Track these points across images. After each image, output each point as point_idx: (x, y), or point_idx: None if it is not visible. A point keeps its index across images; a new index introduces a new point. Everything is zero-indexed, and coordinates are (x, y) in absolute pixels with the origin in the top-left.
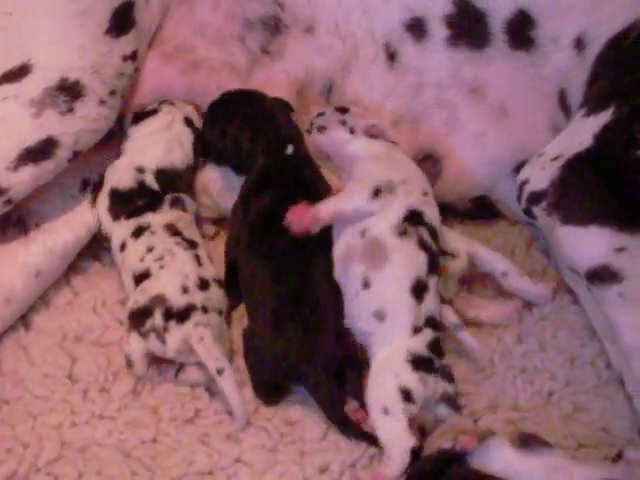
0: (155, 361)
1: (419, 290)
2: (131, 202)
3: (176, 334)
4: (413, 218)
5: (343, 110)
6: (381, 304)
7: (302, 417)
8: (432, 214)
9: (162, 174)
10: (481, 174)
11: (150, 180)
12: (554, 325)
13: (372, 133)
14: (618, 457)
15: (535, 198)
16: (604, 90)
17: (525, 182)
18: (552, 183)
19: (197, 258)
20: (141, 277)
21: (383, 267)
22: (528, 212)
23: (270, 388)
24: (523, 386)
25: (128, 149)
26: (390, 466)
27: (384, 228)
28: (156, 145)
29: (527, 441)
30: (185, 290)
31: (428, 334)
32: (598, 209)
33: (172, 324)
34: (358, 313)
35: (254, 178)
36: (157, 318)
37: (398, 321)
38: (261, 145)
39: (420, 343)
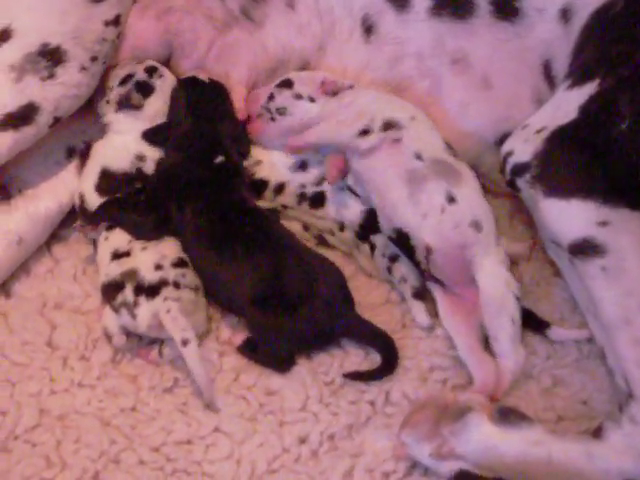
0: (138, 353)
1: None
2: (129, 184)
3: (146, 309)
4: (450, 147)
5: (288, 84)
6: (474, 214)
7: (282, 387)
8: None
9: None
10: (464, 146)
11: (148, 167)
12: (535, 298)
13: (330, 91)
14: (598, 430)
15: (519, 170)
16: (589, 61)
17: (509, 154)
18: (536, 155)
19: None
20: (121, 255)
21: (461, 183)
22: (512, 184)
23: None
24: None
25: (126, 130)
26: (513, 372)
27: (438, 151)
28: None
29: (506, 415)
30: (159, 267)
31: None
32: (582, 182)
33: (142, 299)
34: (454, 226)
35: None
36: (128, 293)
37: (490, 230)
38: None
39: (504, 253)
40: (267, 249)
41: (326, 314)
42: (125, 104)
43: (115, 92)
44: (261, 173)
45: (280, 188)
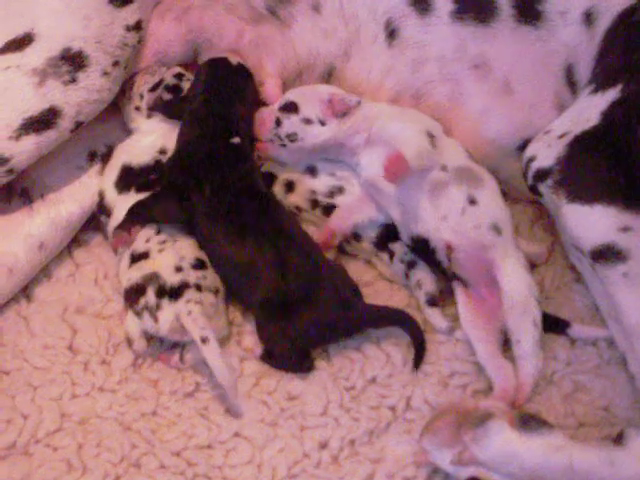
0: (159, 357)
1: None
2: (144, 176)
3: (168, 312)
4: (470, 154)
5: (293, 108)
6: (494, 217)
7: (303, 392)
8: None
9: None
10: (484, 151)
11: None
12: (556, 304)
13: (340, 111)
14: (619, 437)
15: (541, 175)
16: (612, 66)
17: (531, 159)
18: (558, 161)
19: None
20: (139, 257)
21: (483, 186)
22: (534, 189)
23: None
24: None
25: (153, 130)
26: (533, 376)
27: (462, 159)
28: None
29: (527, 421)
30: (179, 269)
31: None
32: (604, 188)
33: (164, 302)
34: (475, 226)
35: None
36: (150, 296)
37: (510, 234)
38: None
39: (524, 257)
40: (274, 242)
41: (335, 308)
42: (157, 107)
43: (146, 98)
44: (268, 166)
45: (290, 186)
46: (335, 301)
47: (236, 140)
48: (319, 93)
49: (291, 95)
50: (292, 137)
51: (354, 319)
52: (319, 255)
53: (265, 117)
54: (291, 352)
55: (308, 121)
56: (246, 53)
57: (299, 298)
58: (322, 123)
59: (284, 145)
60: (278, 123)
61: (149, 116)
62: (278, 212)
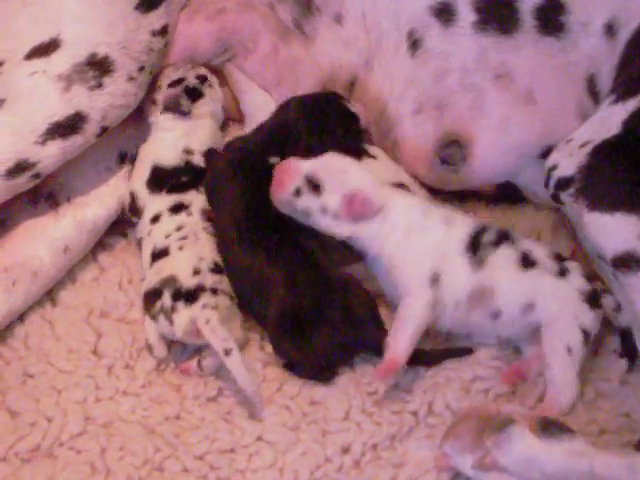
0: (180, 368)
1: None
2: (175, 177)
3: (183, 315)
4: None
5: (317, 188)
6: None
7: (325, 397)
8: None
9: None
10: (507, 159)
11: (198, 159)
12: None
13: (357, 213)
14: None
15: (563, 184)
16: (633, 77)
17: (553, 168)
18: (580, 169)
19: None
20: (159, 254)
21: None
22: (555, 198)
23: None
24: None
25: (171, 128)
26: (559, 404)
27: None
28: (205, 129)
29: (548, 427)
30: (196, 272)
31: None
32: (625, 196)
33: (180, 305)
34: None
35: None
36: (166, 299)
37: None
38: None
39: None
40: (286, 259)
41: (347, 328)
42: (173, 108)
43: (163, 93)
44: None
45: None
46: (347, 321)
47: (273, 160)
48: (348, 181)
49: (320, 169)
50: (306, 213)
51: (367, 342)
52: (332, 272)
53: (289, 173)
54: (310, 366)
55: (324, 210)
56: (281, 72)
57: (311, 316)
58: (336, 217)
59: (296, 212)
60: (298, 193)
61: (163, 112)
62: (293, 229)
